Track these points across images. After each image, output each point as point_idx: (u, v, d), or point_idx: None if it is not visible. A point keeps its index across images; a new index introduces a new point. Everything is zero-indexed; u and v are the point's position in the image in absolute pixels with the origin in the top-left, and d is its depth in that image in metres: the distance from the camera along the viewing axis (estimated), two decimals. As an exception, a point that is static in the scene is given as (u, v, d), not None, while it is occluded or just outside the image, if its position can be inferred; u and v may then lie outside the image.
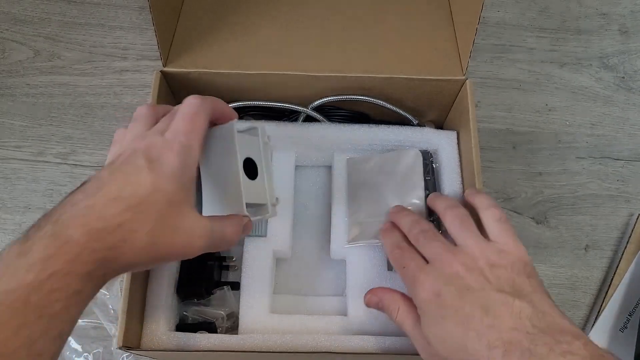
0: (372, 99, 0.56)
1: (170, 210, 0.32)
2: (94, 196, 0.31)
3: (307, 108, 0.57)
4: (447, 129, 0.58)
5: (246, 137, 0.42)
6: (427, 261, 0.41)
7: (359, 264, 0.51)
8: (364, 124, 0.56)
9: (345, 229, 0.53)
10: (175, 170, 0.33)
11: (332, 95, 0.56)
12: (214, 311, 0.51)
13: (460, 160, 0.55)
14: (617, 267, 0.60)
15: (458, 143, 0.56)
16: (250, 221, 0.40)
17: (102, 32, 0.73)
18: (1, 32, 0.73)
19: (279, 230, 0.52)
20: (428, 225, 0.44)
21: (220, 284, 0.52)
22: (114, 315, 0.56)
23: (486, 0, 0.47)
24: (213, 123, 0.39)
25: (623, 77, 0.73)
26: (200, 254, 0.35)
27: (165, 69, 0.54)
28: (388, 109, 0.57)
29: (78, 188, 0.32)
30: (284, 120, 0.59)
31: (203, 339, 0.45)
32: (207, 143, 0.39)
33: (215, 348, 0.45)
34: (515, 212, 0.64)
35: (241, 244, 0.52)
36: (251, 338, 0.46)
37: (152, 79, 0.53)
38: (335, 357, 0.46)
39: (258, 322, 0.48)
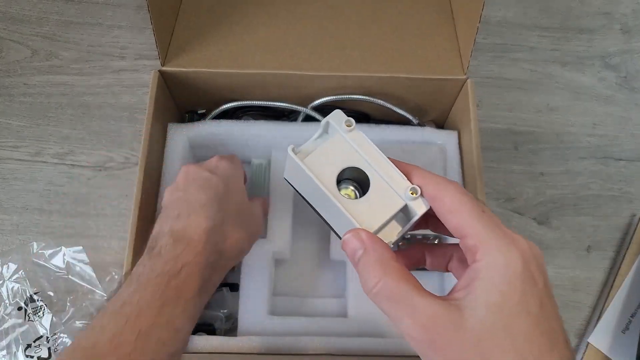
0: (372, 99, 0.56)
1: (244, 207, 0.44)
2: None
3: (307, 108, 0.57)
4: (448, 129, 0.58)
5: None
6: None
7: (359, 265, 0.50)
8: (364, 124, 0.56)
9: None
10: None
11: (331, 95, 0.56)
12: (213, 313, 0.50)
13: (462, 160, 0.54)
14: (619, 268, 0.60)
15: (459, 143, 0.55)
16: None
17: (100, 32, 0.72)
18: (-2, 31, 0.72)
19: (278, 232, 0.52)
20: None
21: (219, 285, 0.51)
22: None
23: (487, -2, 0.47)
24: None
25: (625, 77, 0.72)
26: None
27: (164, 68, 0.53)
28: (388, 108, 0.57)
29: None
30: (283, 120, 0.58)
31: (202, 341, 0.45)
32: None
33: (214, 350, 0.45)
34: (517, 212, 0.64)
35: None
36: (250, 340, 0.45)
37: (150, 79, 0.52)
38: (335, 359, 0.45)
39: (257, 323, 0.48)
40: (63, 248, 0.59)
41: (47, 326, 0.55)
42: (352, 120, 0.34)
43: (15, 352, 0.54)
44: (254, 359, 0.45)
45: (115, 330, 0.33)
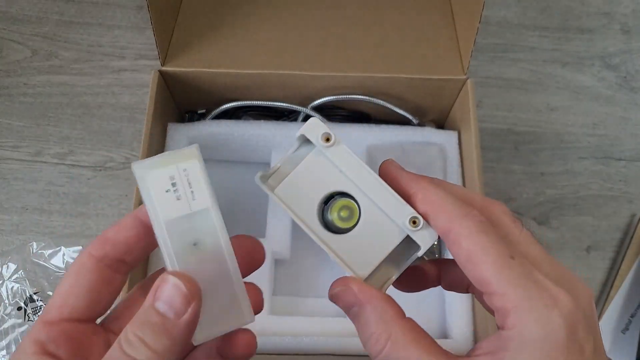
0: (372, 99, 0.56)
1: None
2: None
3: (307, 108, 0.57)
4: (448, 129, 0.58)
5: None
6: None
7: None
8: (364, 124, 0.56)
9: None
10: None
11: (332, 95, 0.56)
12: (213, 313, 0.50)
13: (462, 161, 0.54)
14: (619, 268, 0.60)
15: (459, 143, 0.55)
16: None
17: (100, 32, 0.72)
18: (-1, 31, 0.72)
19: (277, 231, 0.52)
20: None
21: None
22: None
23: (488, -2, 0.46)
24: None
25: (625, 77, 0.72)
26: None
27: (164, 68, 0.53)
28: (388, 108, 0.56)
29: None
30: (283, 120, 0.58)
31: (201, 342, 0.45)
32: None
33: (214, 350, 0.44)
34: (517, 212, 0.64)
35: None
36: (250, 340, 0.45)
37: (150, 79, 0.52)
38: (335, 359, 0.45)
39: (256, 323, 0.48)
40: (63, 248, 0.59)
41: (47, 326, 0.55)
42: (331, 133, 0.26)
43: (15, 352, 0.54)
44: (254, 359, 0.45)
45: None
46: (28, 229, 0.60)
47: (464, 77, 0.53)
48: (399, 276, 0.27)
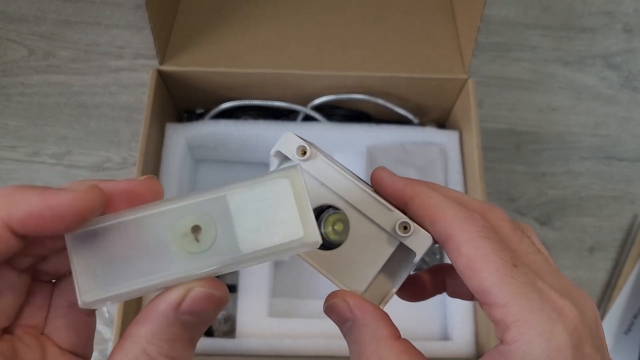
0: (373, 98, 0.55)
1: None
2: None
3: (306, 107, 0.56)
4: (449, 129, 0.57)
5: None
6: None
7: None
8: (364, 124, 0.56)
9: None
10: None
11: (331, 94, 0.55)
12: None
13: (463, 161, 0.54)
14: (621, 269, 0.59)
15: (460, 143, 0.55)
16: None
17: (98, 31, 0.72)
18: (-4, 30, 0.72)
19: (277, 232, 0.52)
20: None
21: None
22: (109, 319, 0.55)
23: (489, -3, 0.46)
24: None
25: (627, 77, 0.72)
26: None
27: (162, 67, 0.53)
28: (389, 108, 0.56)
29: None
30: (282, 120, 0.58)
31: (199, 343, 0.44)
32: None
33: (212, 352, 0.44)
34: (518, 213, 0.63)
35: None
36: (249, 342, 0.45)
37: (148, 78, 0.52)
38: (335, 362, 0.45)
39: (256, 325, 0.48)
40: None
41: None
42: (306, 145, 0.25)
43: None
44: (253, 361, 0.45)
45: None
46: (25, 230, 0.60)
47: (465, 76, 0.53)
48: (400, 287, 0.26)
